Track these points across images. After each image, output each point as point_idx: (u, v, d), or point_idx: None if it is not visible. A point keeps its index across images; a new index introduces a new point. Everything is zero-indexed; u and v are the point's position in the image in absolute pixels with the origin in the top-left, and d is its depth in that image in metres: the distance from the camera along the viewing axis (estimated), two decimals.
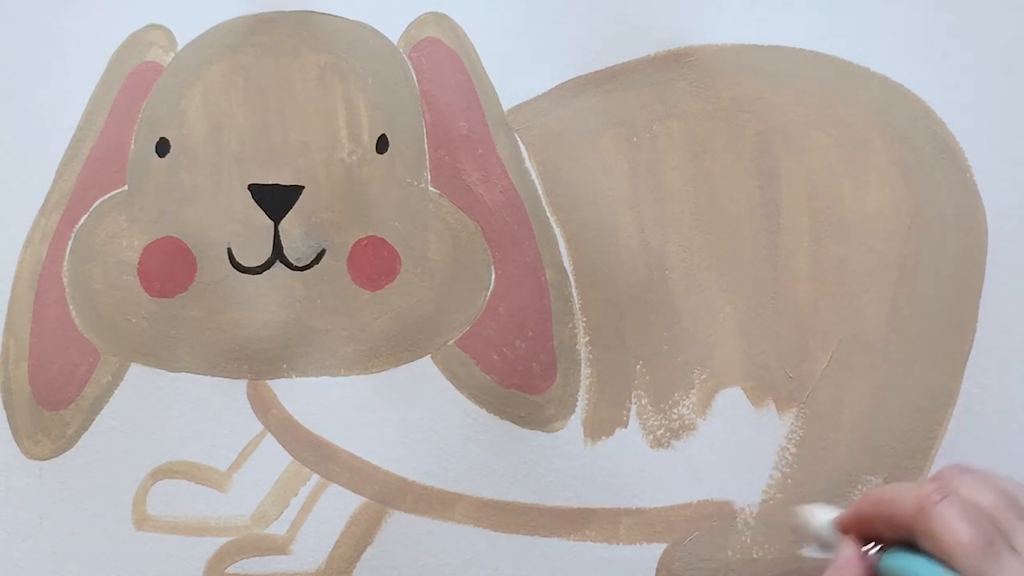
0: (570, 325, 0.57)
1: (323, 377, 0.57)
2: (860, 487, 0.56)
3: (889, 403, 0.57)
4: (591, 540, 0.56)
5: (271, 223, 0.56)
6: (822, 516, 0.50)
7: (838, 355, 0.57)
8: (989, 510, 0.44)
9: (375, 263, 0.57)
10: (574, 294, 0.57)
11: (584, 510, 0.56)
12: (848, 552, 0.47)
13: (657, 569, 0.56)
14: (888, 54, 0.58)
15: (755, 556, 0.56)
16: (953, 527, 0.43)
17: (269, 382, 0.57)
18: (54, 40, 0.58)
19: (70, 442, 0.56)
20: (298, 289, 0.57)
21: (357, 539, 0.56)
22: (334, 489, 0.56)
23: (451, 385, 0.57)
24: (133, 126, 0.57)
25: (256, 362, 0.57)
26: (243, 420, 0.56)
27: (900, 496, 0.46)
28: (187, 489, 0.56)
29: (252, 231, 0.56)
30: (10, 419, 0.57)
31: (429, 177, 0.57)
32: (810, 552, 0.51)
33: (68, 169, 0.57)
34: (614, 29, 0.58)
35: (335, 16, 0.57)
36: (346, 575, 0.56)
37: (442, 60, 0.57)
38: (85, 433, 0.56)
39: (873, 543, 0.47)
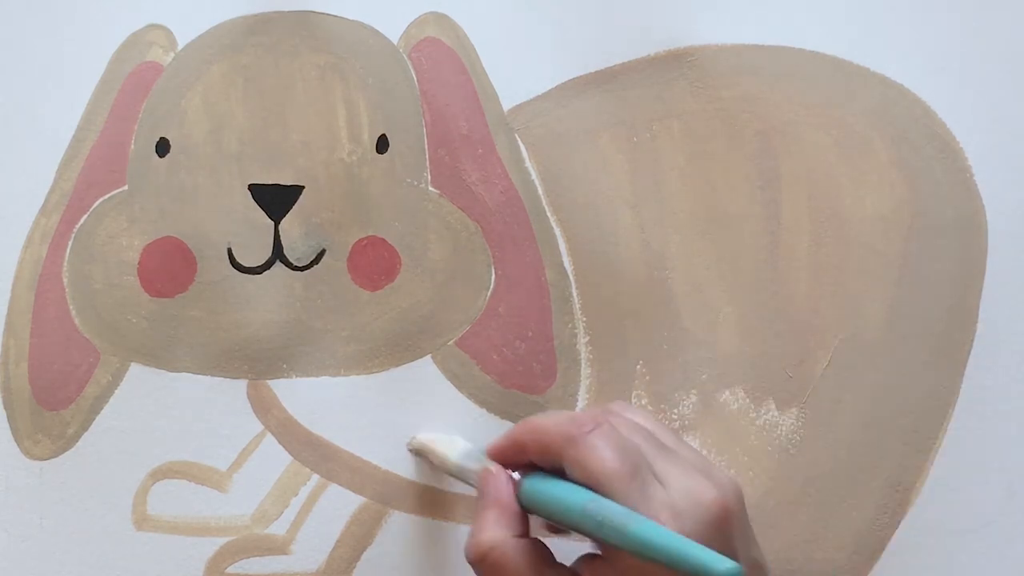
0: (570, 325, 0.57)
1: (323, 377, 0.57)
2: (860, 487, 0.56)
3: (889, 403, 0.57)
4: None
5: (271, 223, 0.56)
6: (458, 446, 0.52)
7: (838, 355, 0.57)
8: (635, 441, 0.46)
9: (375, 263, 0.57)
10: (574, 294, 0.57)
11: None
12: (500, 476, 0.48)
13: None
14: (888, 54, 0.58)
15: (755, 556, 0.56)
16: (602, 455, 0.45)
17: (269, 382, 0.57)
18: (54, 40, 0.58)
19: (70, 442, 0.56)
20: (298, 289, 0.56)
21: (357, 539, 0.56)
22: (334, 489, 0.56)
23: (451, 385, 0.57)
24: (133, 126, 0.57)
25: (256, 362, 0.57)
26: (243, 420, 0.56)
27: (555, 424, 0.47)
28: (187, 489, 0.56)
29: (252, 231, 0.56)
30: (10, 419, 0.56)
31: (429, 177, 0.57)
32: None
33: (68, 169, 0.57)
34: (614, 29, 0.58)
35: (335, 16, 0.57)
36: (346, 575, 0.56)
37: (442, 60, 0.57)
38: (85, 433, 0.56)
39: (518, 471, 0.48)
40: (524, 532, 0.48)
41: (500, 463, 0.49)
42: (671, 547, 0.41)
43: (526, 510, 0.48)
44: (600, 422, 0.46)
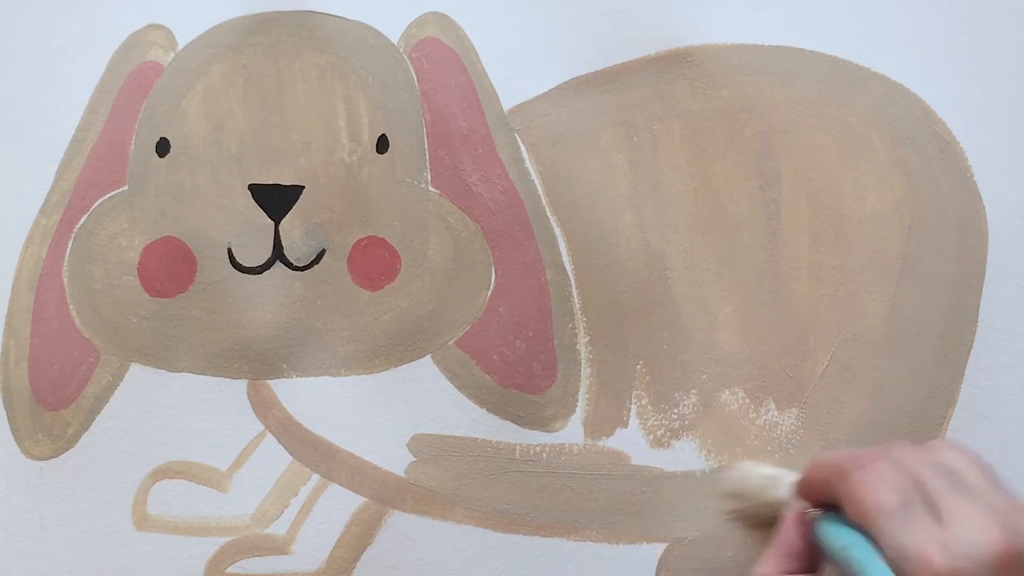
0: (570, 325, 0.57)
1: (323, 377, 0.57)
2: None
3: (889, 403, 0.57)
4: (591, 540, 0.56)
5: (271, 223, 0.56)
6: (782, 478, 0.49)
7: (838, 355, 0.57)
8: (918, 475, 0.44)
9: (375, 263, 0.57)
10: (574, 294, 0.57)
11: (584, 510, 0.56)
12: (790, 515, 0.46)
13: (657, 569, 0.56)
14: (888, 54, 0.58)
15: (755, 556, 0.56)
16: (866, 489, 0.43)
17: (269, 382, 0.57)
18: (54, 40, 0.58)
19: (70, 442, 0.56)
20: (298, 289, 0.56)
21: (357, 539, 0.56)
22: (334, 489, 0.56)
23: (451, 385, 0.57)
24: (133, 126, 0.57)
25: (256, 362, 0.57)
26: (243, 420, 0.56)
27: (833, 459, 0.45)
28: (187, 489, 0.56)
29: (252, 231, 0.56)
30: (10, 419, 0.57)
31: (429, 177, 0.57)
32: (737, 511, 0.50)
33: (68, 169, 0.57)
34: (614, 29, 0.58)
35: (335, 16, 0.57)
36: (346, 575, 0.56)
37: (442, 60, 0.57)
38: (85, 433, 0.56)
39: (817, 507, 0.46)
40: (803, 569, 0.46)
41: (806, 498, 0.47)
42: None
43: (823, 550, 0.46)
44: (878, 457, 0.44)
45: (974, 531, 0.41)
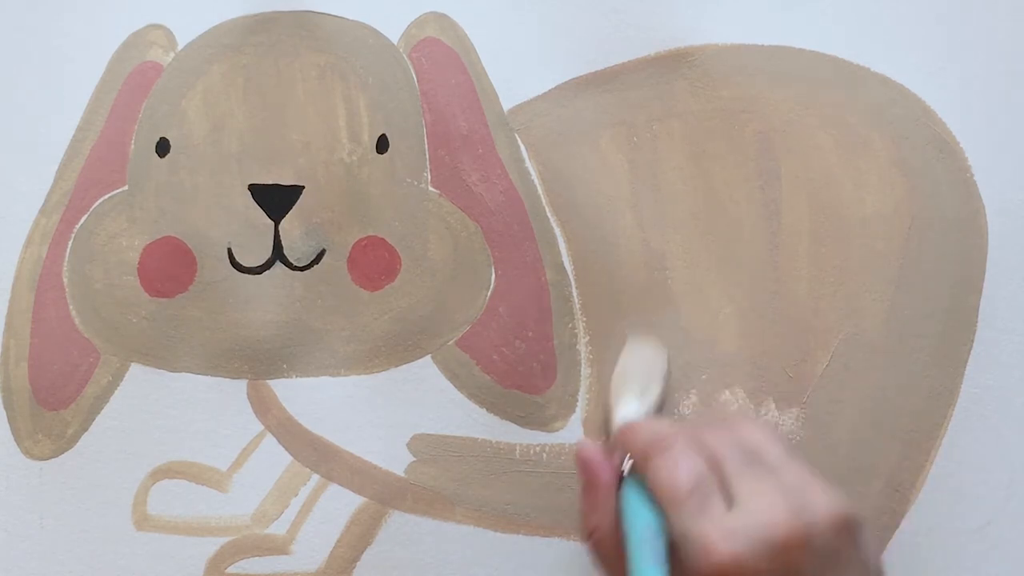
0: (570, 325, 0.57)
1: (323, 377, 0.57)
2: (860, 488, 0.56)
3: (889, 403, 0.57)
4: None
5: (271, 223, 0.56)
6: (628, 412, 0.50)
7: (838, 355, 0.57)
8: (716, 455, 0.44)
9: (375, 263, 0.57)
10: (574, 294, 0.57)
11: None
12: (602, 463, 0.47)
13: None
14: (888, 54, 0.58)
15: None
16: (666, 475, 0.44)
17: (269, 382, 0.57)
18: (54, 40, 0.58)
19: (70, 442, 0.56)
20: (298, 289, 0.57)
21: (357, 539, 0.56)
22: (334, 489, 0.56)
23: (451, 385, 0.57)
24: (133, 126, 0.57)
25: (256, 362, 0.57)
26: (243, 420, 0.56)
27: (643, 432, 0.46)
28: (187, 489, 0.56)
29: (252, 231, 0.56)
30: (10, 419, 0.57)
31: (429, 177, 0.57)
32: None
33: (68, 169, 0.57)
34: (614, 29, 0.58)
35: (335, 16, 0.57)
36: (346, 575, 0.56)
37: (442, 60, 0.57)
38: (85, 433, 0.56)
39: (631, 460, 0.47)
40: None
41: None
42: None
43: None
44: (677, 439, 0.45)
45: (762, 513, 0.42)
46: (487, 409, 0.57)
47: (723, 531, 0.41)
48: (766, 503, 0.42)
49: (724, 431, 0.46)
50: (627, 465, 0.47)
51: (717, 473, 0.44)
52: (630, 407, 0.50)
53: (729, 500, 0.43)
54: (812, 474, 0.44)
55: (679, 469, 0.44)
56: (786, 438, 0.46)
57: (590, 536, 0.47)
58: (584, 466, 0.47)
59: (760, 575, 0.41)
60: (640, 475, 0.45)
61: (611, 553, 0.46)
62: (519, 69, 0.58)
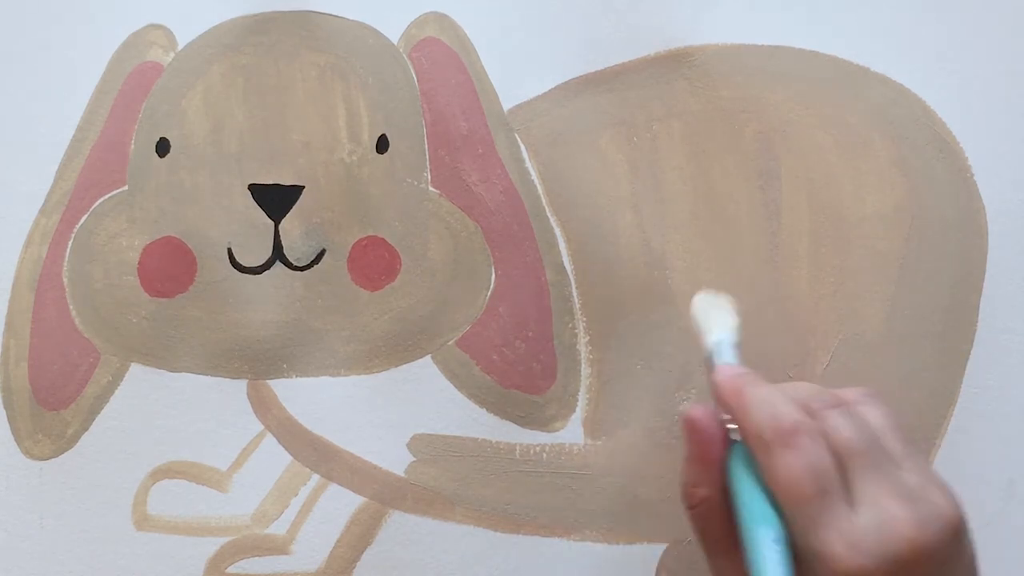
0: (570, 325, 0.57)
1: (323, 377, 0.57)
2: None
3: (889, 403, 0.57)
4: (591, 540, 0.56)
5: (271, 223, 0.56)
6: (722, 336, 0.48)
7: (838, 355, 0.57)
8: (839, 446, 0.43)
9: (375, 263, 0.57)
10: (574, 294, 0.57)
11: (584, 510, 0.56)
12: (714, 431, 0.45)
13: (657, 569, 0.56)
14: (888, 54, 0.58)
15: None
16: (788, 475, 0.42)
17: (269, 382, 0.57)
18: (54, 40, 0.58)
19: (70, 442, 0.56)
20: (298, 289, 0.57)
21: (357, 539, 0.56)
22: (334, 489, 0.56)
23: (451, 385, 0.57)
24: (133, 126, 0.57)
25: (256, 362, 0.57)
26: (243, 420, 0.56)
27: (757, 418, 0.44)
28: (187, 489, 0.56)
29: (252, 231, 0.56)
30: (10, 419, 0.57)
31: (429, 177, 0.57)
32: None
33: (68, 169, 0.57)
34: (614, 29, 0.58)
35: (335, 16, 0.57)
36: (346, 575, 0.56)
37: (442, 60, 0.57)
38: (85, 433, 0.56)
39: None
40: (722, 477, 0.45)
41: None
42: None
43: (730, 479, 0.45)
44: (800, 432, 0.43)
45: (887, 524, 0.41)
46: (487, 409, 0.56)
47: (848, 542, 0.40)
48: (892, 512, 0.41)
49: (845, 411, 0.44)
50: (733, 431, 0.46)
51: (839, 467, 0.42)
52: (723, 341, 0.48)
53: (851, 500, 0.42)
54: (929, 469, 0.44)
55: (803, 469, 0.42)
56: (900, 420, 0.46)
57: (695, 506, 0.45)
58: (693, 432, 0.46)
59: None
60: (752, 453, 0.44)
61: (717, 527, 0.45)
62: (519, 69, 0.58)
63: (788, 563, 0.42)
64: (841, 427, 0.43)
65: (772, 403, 0.44)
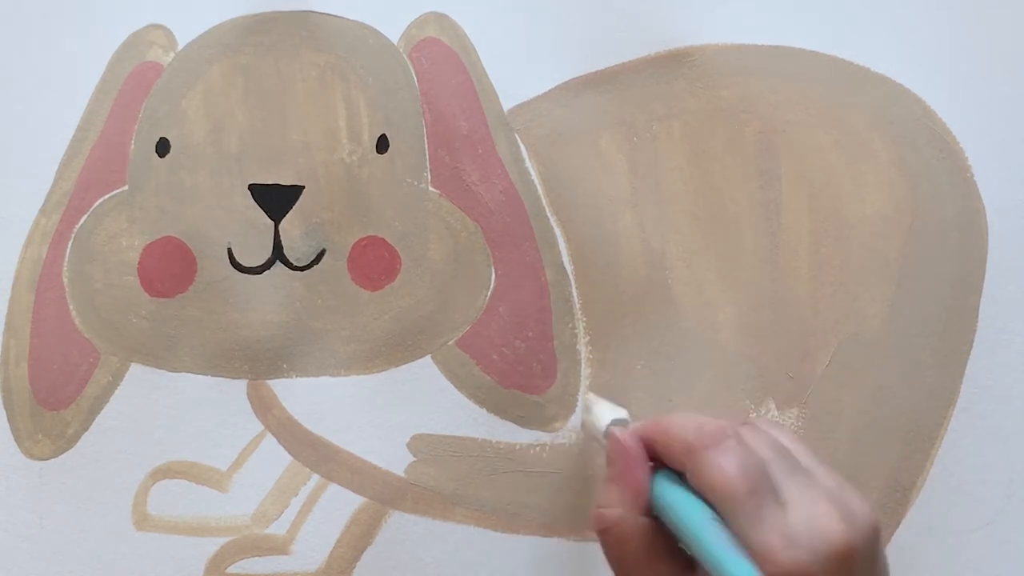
0: (570, 325, 0.57)
1: (323, 377, 0.57)
2: (860, 487, 0.56)
3: (889, 403, 0.57)
4: (591, 540, 0.56)
5: (271, 223, 0.56)
6: (609, 416, 0.50)
7: (838, 355, 0.57)
8: (761, 456, 0.44)
9: (375, 263, 0.57)
10: (574, 294, 0.57)
11: (584, 510, 0.56)
12: (637, 454, 0.47)
13: None
14: (888, 54, 0.58)
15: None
16: (720, 473, 0.43)
17: (269, 382, 0.57)
18: (54, 40, 0.58)
19: (70, 442, 0.56)
20: (298, 289, 0.57)
21: (357, 539, 0.56)
22: (334, 489, 0.56)
23: (451, 385, 0.57)
24: (133, 126, 0.57)
25: (256, 362, 0.57)
26: (243, 420, 0.56)
27: (681, 430, 0.46)
28: (187, 489, 0.56)
29: (252, 231, 0.56)
30: (10, 419, 0.57)
31: (429, 177, 0.57)
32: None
33: (68, 169, 0.57)
34: (614, 29, 0.58)
35: (335, 16, 0.57)
36: (346, 575, 0.56)
37: (442, 60, 0.57)
38: (85, 433, 0.56)
39: (651, 462, 0.47)
40: (645, 511, 0.46)
41: (645, 448, 0.48)
42: None
43: (659, 507, 0.47)
44: (726, 435, 0.45)
45: (817, 520, 0.42)
46: (487, 409, 0.57)
47: (784, 537, 0.42)
48: (821, 510, 0.43)
49: (759, 432, 0.46)
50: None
51: (764, 474, 0.44)
52: (615, 411, 0.51)
53: (779, 502, 0.43)
54: (840, 478, 0.45)
55: (735, 467, 0.43)
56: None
57: (608, 529, 0.46)
58: (618, 453, 0.47)
59: None
60: (683, 469, 0.45)
61: (632, 549, 0.45)
62: (519, 69, 0.58)
63: (740, 548, 0.43)
64: (756, 438, 0.45)
65: (692, 418, 0.46)
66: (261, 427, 0.57)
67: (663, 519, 0.46)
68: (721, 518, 0.44)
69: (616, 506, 0.46)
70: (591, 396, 0.54)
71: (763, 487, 0.43)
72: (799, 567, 0.41)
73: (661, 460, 0.47)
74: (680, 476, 0.46)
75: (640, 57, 0.58)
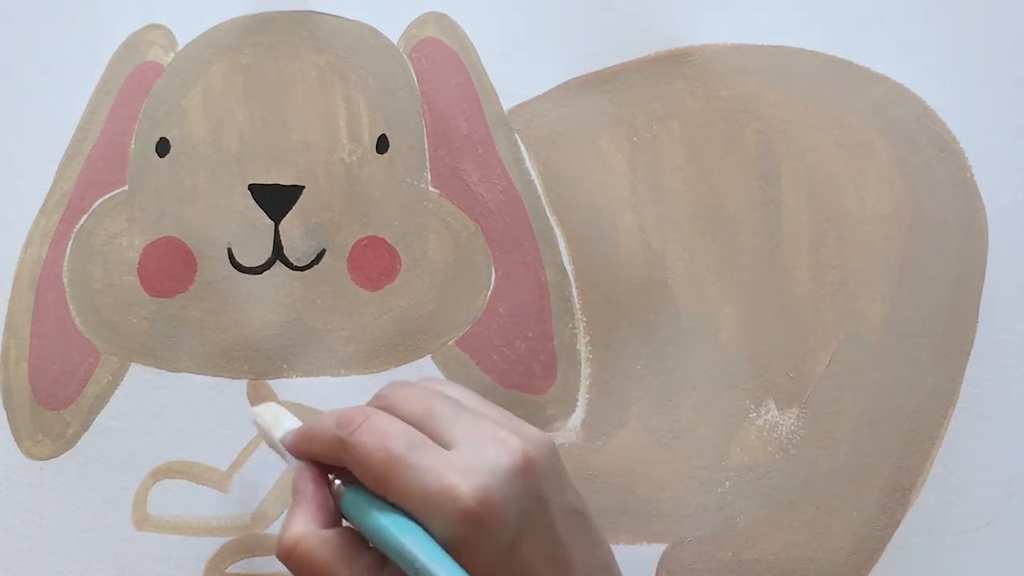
0: (570, 325, 0.57)
1: (323, 377, 0.57)
2: (860, 487, 0.56)
3: (889, 403, 0.57)
4: None
5: (271, 223, 0.56)
6: (282, 427, 0.48)
7: (838, 355, 0.57)
8: (415, 414, 0.44)
9: (375, 263, 0.57)
10: (574, 294, 0.57)
11: None
12: (306, 473, 0.45)
13: (657, 569, 0.56)
14: (888, 54, 0.58)
15: (755, 556, 0.56)
16: (371, 449, 0.42)
17: (269, 382, 0.57)
18: (54, 40, 0.58)
19: (70, 442, 0.56)
20: (298, 289, 0.57)
21: None
22: None
23: None
24: (133, 126, 0.57)
25: (256, 362, 0.57)
26: (243, 420, 0.56)
27: (324, 432, 0.44)
28: (187, 489, 0.56)
29: (252, 231, 0.56)
30: (10, 419, 0.57)
31: (429, 177, 0.57)
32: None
33: (68, 169, 0.57)
34: (614, 29, 0.58)
35: (335, 16, 0.57)
36: None
37: (442, 60, 0.57)
38: (85, 433, 0.56)
39: (335, 475, 0.45)
40: (332, 524, 0.44)
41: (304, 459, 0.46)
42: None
43: (348, 520, 0.45)
44: (365, 415, 0.44)
45: (491, 445, 0.42)
46: None
47: (459, 472, 0.41)
48: (496, 436, 0.43)
49: (414, 390, 0.46)
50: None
51: (425, 427, 0.43)
52: (287, 420, 0.49)
53: (447, 446, 0.42)
54: (510, 414, 0.46)
55: (382, 436, 0.42)
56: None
57: (296, 545, 0.43)
58: (296, 478, 0.46)
59: (510, 503, 0.41)
60: (341, 464, 0.44)
61: (320, 563, 0.43)
62: (519, 69, 0.58)
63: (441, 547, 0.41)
64: (409, 397, 0.45)
65: (333, 413, 0.45)
66: None
67: (363, 534, 0.44)
68: (388, 500, 0.42)
69: (296, 525, 0.44)
70: (255, 410, 0.51)
71: (420, 442, 0.42)
72: (482, 491, 0.40)
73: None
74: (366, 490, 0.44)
75: (640, 57, 0.58)
